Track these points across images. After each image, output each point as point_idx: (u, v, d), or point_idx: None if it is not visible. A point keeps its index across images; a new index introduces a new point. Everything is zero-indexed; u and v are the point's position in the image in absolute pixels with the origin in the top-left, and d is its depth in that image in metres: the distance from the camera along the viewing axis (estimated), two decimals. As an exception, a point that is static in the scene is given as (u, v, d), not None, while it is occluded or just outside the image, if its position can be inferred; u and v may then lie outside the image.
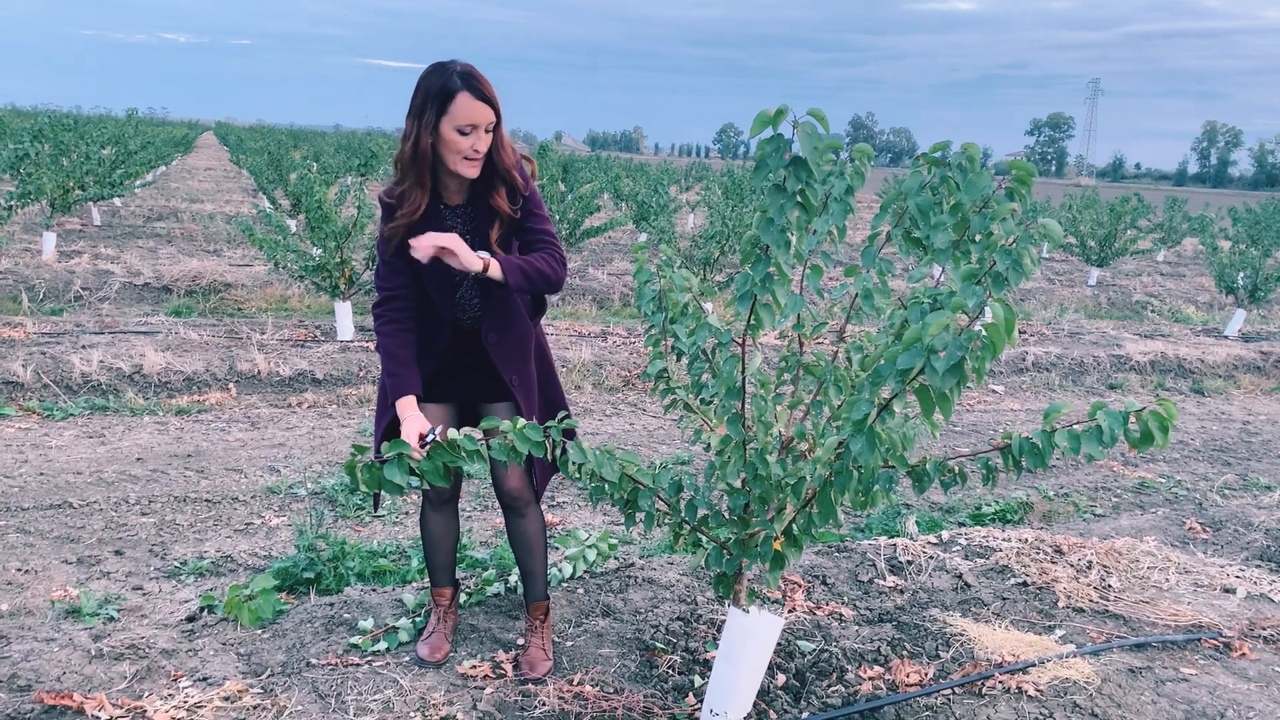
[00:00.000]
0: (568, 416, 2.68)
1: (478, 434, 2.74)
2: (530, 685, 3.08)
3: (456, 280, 2.96)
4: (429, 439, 2.53)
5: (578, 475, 2.61)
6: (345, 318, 8.54)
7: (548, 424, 2.54)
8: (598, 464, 2.59)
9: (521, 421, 2.51)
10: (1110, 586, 4.10)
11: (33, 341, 7.47)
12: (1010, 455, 2.35)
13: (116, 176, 14.98)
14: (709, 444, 2.83)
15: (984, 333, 2.03)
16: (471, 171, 2.78)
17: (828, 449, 2.45)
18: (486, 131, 2.74)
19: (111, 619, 3.65)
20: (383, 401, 3.02)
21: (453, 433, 2.49)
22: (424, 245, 2.70)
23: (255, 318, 9.36)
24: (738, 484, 2.71)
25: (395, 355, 2.89)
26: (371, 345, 8.21)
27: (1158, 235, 22.33)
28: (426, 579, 3.91)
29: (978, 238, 2.35)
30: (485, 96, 2.69)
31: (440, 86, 2.67)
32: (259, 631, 3.39)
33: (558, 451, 2.57)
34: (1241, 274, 12.27)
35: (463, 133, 2.70)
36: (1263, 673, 3.44)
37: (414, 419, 2.77)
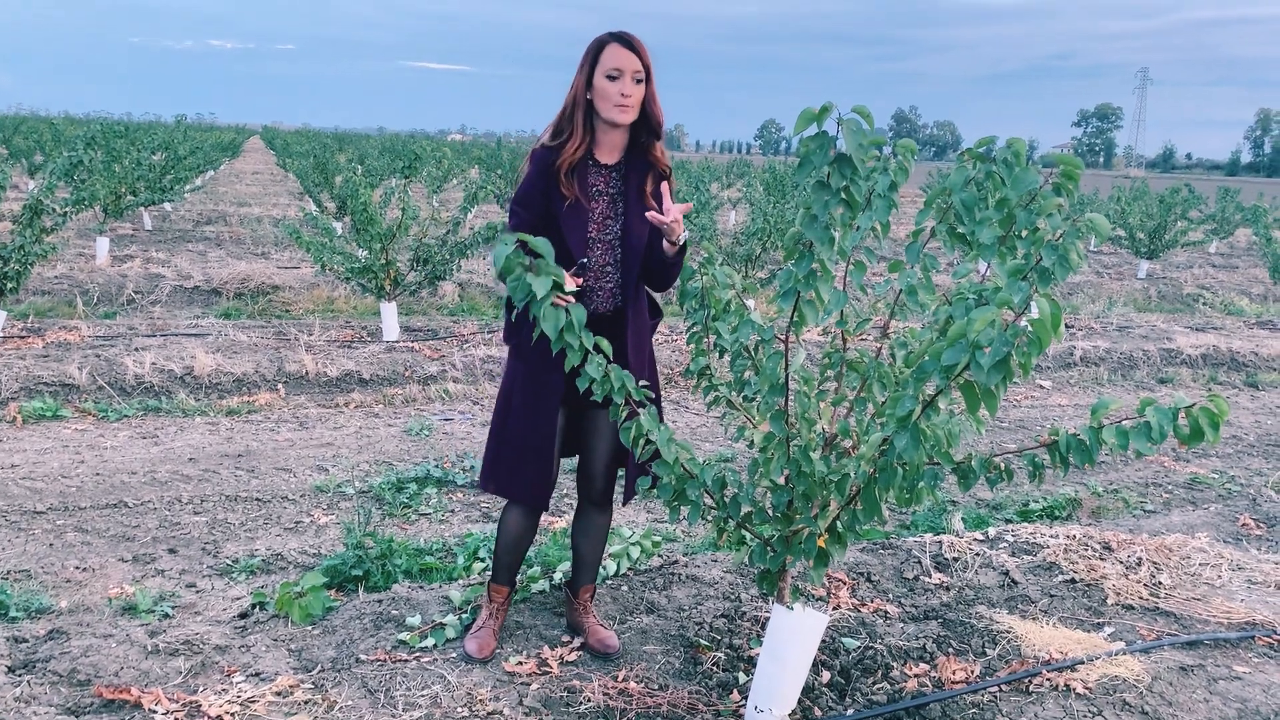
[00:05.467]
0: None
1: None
2: (576, 681, 3.10)
3: (588, 251, 3.01)
4: (581, 264, 2.70)
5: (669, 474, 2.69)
6: (391, 318, 8.63)
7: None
8: (662, 440, 2.63)
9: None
10: (1161, 583, 4.04)
11: (87, 344, 7.64)
12: (1057, 452, 2.33)
13: (166, 182, 15.25)
14: (752, 441, 2.83)
15: (1030, 328, 2.02)
16: (624, 117, 2.93)
17: (872, 446, 2.44)
18: (636, 82, 2.91)
19: (166, 616, 3.73)
20: (506, 400, 3.12)
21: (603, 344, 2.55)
22: (672, 212, 2.88)
23: (303, 319, 9.49)
24: (781, 481, 2.71)
25: None
26: (415, 346, 8.28)
27: (1209, 226, 21.90)
28: (473, 576, 3.95)
29: (1023, 233, 2.34)
30: (632, 47, 2.90)
31: (595, 43, 2.94)
32: (309, 628, 3.45)
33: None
34: (1297, 265, 12.02)
35: (611, 77, 2.89)
36: (1320, 671, 3.38)
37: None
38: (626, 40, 2.91)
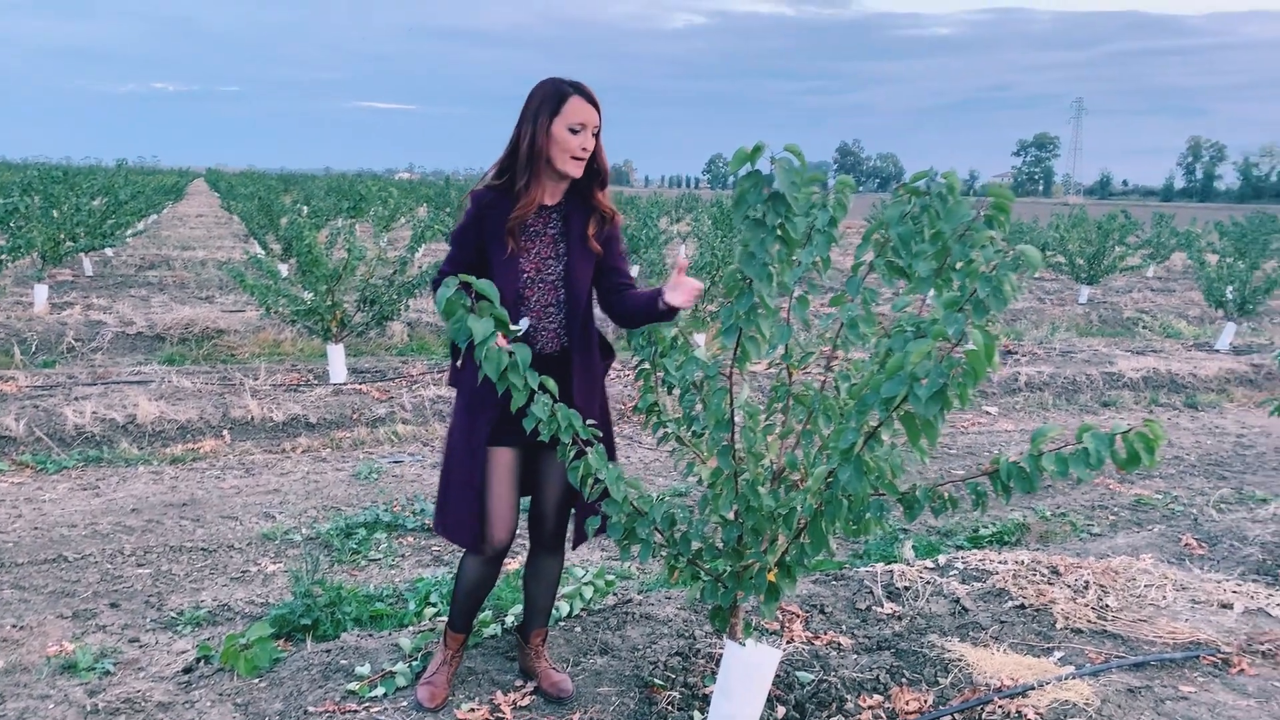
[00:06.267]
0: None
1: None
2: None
3: (523, 291, 2.99)
4: (518, 330, 2.62)
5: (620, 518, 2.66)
6: (338, 360, 8.55)
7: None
8: (610, 479, 2.62)
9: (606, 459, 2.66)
10: (1108, 606, 4.10)
11: (25, 395, 7.47)
12: (999, 480, 2.35)
13: (107, 227, 15.00)
14: (701, 477, 2.84)
15: (965, 359, 2.05)
16: (577, 171, 2.94)
17: (817, 479, 2.46)
18: (593, 135, 2.92)
19: (107, 673, 3.63)
20: (450, 444, 3.06)
21: (550, 382, 2.53)
22: (688, 291, 2.81)
23: (248, 363, 9.37)
24: (730, 516, 2.72)
25: None
26: (363, 387, 8.21)
27: (1146, 251, 22.44)
28: (424, 622, 3.90)
29: (959, 265, 2.38)
30: (593, 100, 2.91)
31: (554, 91, 2.90)
32: (256, 681, 3.38)
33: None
34: (1230, 287, 12.33)
35: (573, 130, 2.88)
36: (1262, 688, 3.44)
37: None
38: (588, 94, 2.90)
